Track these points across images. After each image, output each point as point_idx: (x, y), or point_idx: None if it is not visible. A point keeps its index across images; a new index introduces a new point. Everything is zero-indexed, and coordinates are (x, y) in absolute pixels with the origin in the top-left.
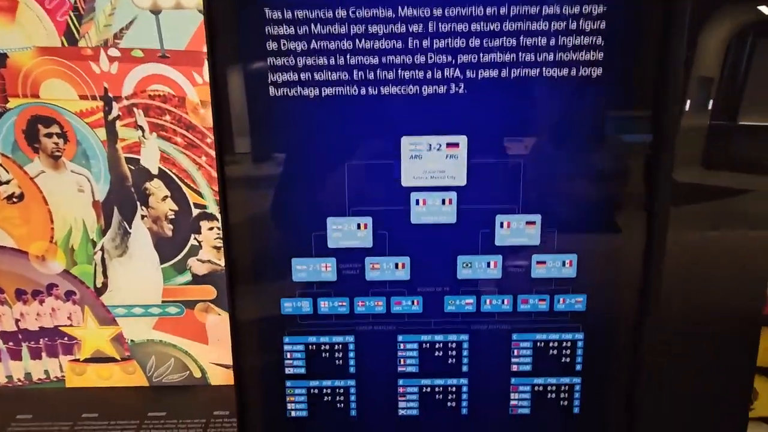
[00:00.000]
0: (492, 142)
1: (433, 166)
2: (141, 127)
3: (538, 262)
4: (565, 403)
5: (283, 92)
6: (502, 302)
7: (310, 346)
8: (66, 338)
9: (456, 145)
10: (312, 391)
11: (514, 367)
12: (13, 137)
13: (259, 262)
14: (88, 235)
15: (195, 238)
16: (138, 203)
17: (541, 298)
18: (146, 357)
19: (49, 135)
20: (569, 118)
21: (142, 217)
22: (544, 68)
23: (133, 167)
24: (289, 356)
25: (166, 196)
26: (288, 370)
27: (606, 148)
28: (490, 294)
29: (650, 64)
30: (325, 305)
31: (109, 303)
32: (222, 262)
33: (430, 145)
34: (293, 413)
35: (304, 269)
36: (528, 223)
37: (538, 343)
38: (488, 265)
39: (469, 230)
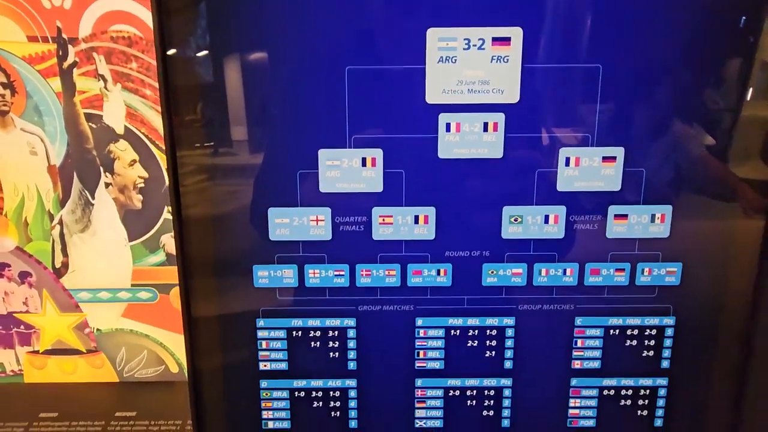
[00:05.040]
0: (559, 38)
1: (472, 74)
2: (102, 77)
3: (616, 216)
4: (644, 412)
5: None
6: (564, 273)
7: (293, 333)
8: (22, 326)
9: (506, 41)
10: (296, 394)
11: (577, 364)
12: None
13: (221, 214)
14: (43, 206)
15: (169, 211)
16: (101, 169)
17: (618, 268)
18: (115, 349)
19: None
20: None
21: (107, 185)
22: None
23: (94, 125)
24: (264, 346)
25: (134, 161)
26: (263, 366)
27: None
28: (548, 261)
29: None
30: (315, 275)
31: (70, 286)
32: None
33: (468, 41)
34: (270, 424)
35: (285, 224)
36: (606, 159)
37: (611, 331)
38: (546, 219)
39: (520, 169)
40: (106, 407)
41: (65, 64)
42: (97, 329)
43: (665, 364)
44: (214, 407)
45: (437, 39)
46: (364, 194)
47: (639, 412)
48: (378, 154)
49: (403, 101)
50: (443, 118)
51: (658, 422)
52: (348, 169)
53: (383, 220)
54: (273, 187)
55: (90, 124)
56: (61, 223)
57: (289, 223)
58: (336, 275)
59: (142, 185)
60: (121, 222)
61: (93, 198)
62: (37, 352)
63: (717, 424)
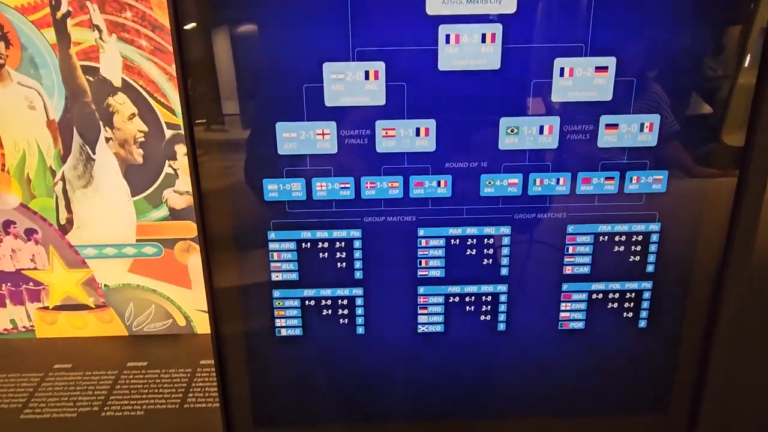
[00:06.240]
0: None
1: None
2: (97, 27)
3: (607, 126)
4: (630, 314)
5: None
6: (557, 182)
7: (303, 244)
8: (31, 283)
9: None
10: (307, 303)
11: (568, 269)
12: None
13: (231, 129)
14: (45, 162)
15: (170, 166)
16: (101, 123)
17: (608, 176)
18: (123, 304)
19: None
20: None
21: (107, 140)
22: None
23: (91, 78)
24: (275, 257)
25: (133, 114)
26: (275, 276)
27: None
28: (542, 171)
29: None
30: (322, 188)
31: (76, 243)
32: None
33: None
34: (283, 331)
35: (292, 138)
36: (598, 69)
37: (601, 237)
38: (541, 130)
39: (517, 80)
40: (118, 358)
41: (59, 14)
42: (105, 285)
43: (650, 268)
44: (229, 314)
45: None
46: (367, 107)
47: (625, 314)
48: (380, 66)
49: (404, 12)
50: (443, 30)
51: (642, 323)
52: (352, 82)
53: (386, 133)
54: (280, 100)
55: (87, 76)
56: (63, 179)
57: (296, 137)
58: (342, 188)
59: (142, 139)
60: (123, 177)
61: (94, 153)
62: (47, 308)
63: (696, 324)
